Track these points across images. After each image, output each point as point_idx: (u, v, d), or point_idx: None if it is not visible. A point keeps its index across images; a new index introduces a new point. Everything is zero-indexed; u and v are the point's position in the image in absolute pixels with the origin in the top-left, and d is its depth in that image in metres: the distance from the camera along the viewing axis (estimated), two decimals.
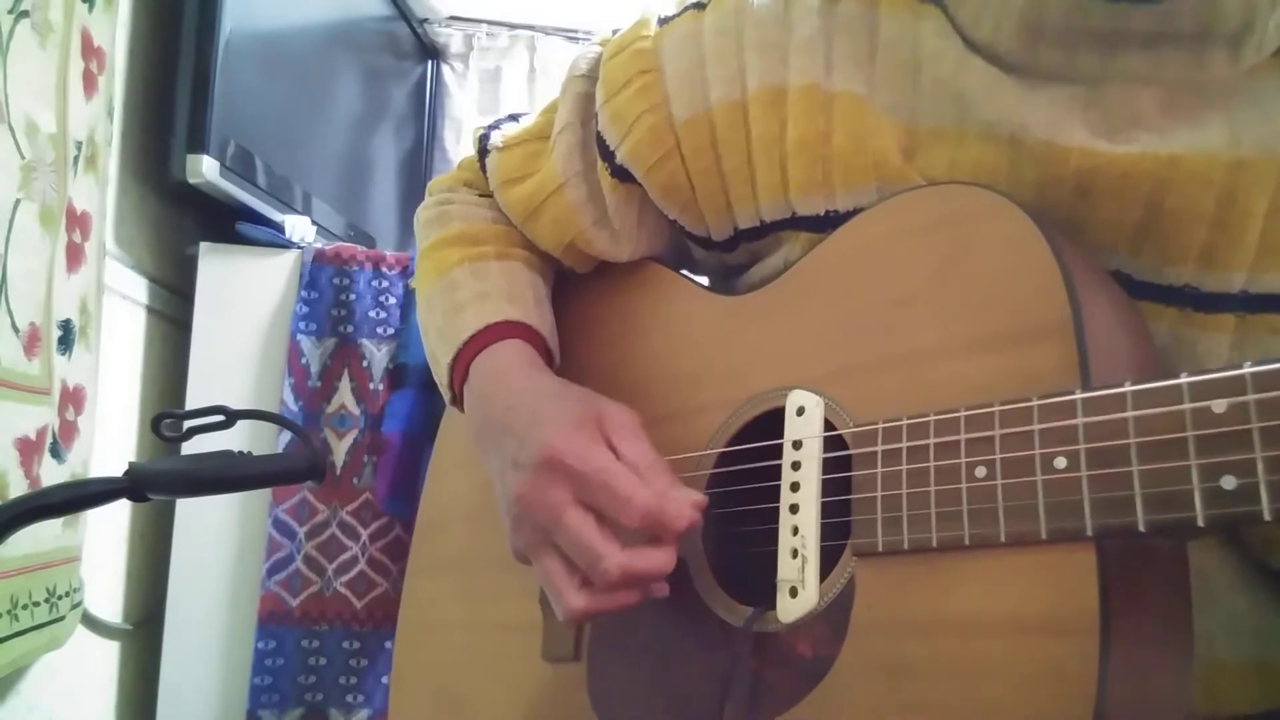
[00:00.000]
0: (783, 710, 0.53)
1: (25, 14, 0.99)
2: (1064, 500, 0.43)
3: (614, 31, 0.72)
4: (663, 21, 0.68)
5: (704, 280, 0.74)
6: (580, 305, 0.78)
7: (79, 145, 1.12)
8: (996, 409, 0.47)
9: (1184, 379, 0.41)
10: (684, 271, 0.73)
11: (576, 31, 2.65)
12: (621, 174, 0.69)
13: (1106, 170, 0.53)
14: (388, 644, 1.49)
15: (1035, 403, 0.45)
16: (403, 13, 2.40)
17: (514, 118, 0.80)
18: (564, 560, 0.58)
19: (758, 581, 0.57)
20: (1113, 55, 0.54)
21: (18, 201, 0.99)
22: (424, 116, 2.60)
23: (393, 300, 1.52)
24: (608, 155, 0.69)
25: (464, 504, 0.82)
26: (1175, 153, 0.53)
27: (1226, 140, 0.52)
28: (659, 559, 0.56)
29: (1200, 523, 0.39)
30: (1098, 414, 0.43)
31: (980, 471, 0.47)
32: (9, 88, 0.97)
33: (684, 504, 0.55)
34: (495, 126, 0.80)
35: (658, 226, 0.73)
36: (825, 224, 0.61)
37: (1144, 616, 0.44)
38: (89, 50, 1.13)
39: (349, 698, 1.47)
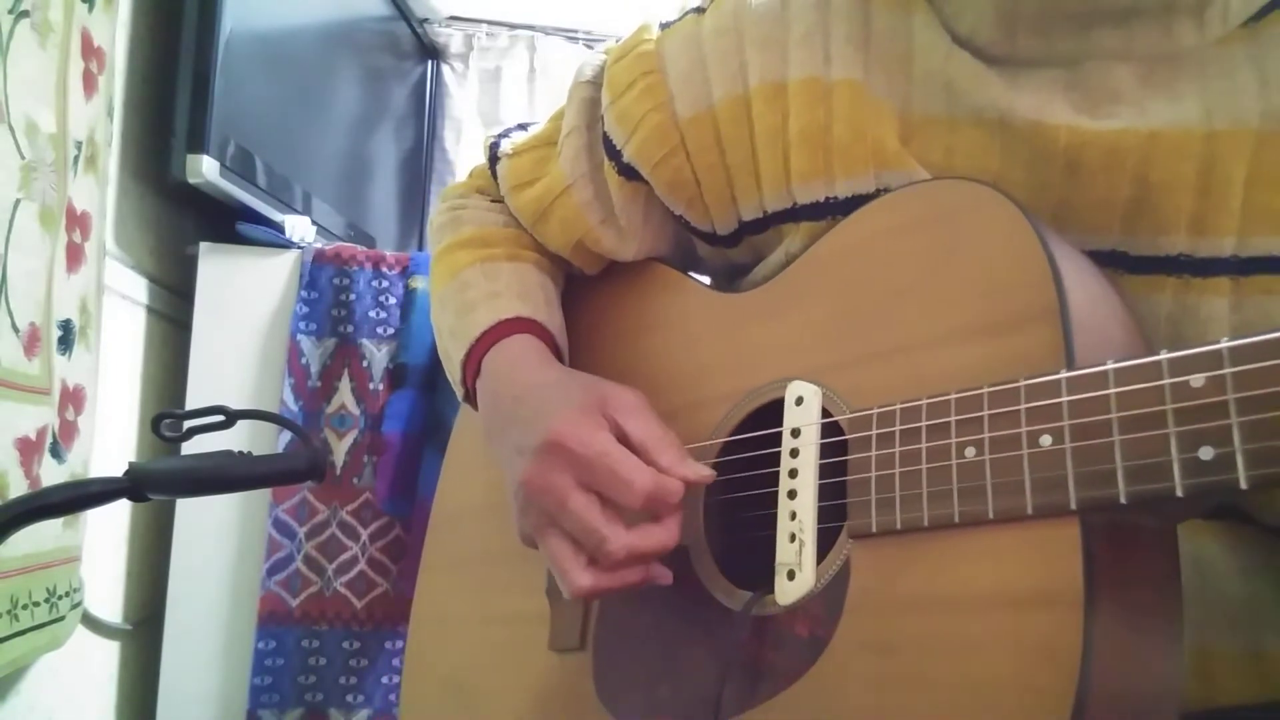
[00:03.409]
0: (781, 690, 0.54)
1: (25, 14, 0.99)
2: (1049, 475, 0.45)
3: (617, 40, 0.74)
4: (664, 26, 0.70)
5: (707, 279, 0.76)
6: (588, 307, 0.80)
7: (79, 145, 1.12)
8: (985, 391, 0.48)
9: (1163, 355, 0.42)
10: (690, 272, 0.75)
11: (576, 31, 2.65)
12: (628, 172, 0.71)
13: (1094, 145, 0.55)
14: (388, 644, 1.49)
15: (1022, 383, 0.46)
16: (403, 13, 2.40)
17: (523, 126, 0.83)
18: (569, 541, 0.59)
19: (759, 567, 0.58)
20: (1087, 35, 0.56)
21: (18, 201, 0.99)
22: (424, 116, 2.60)
23: (393, 300, 1.52)
24: (614, 154, 0.71)
25: (477, 500, 0.83)
26: (1154, 128, 0.55)
27: (1200, 114, 0.55)
28: (661, 535, 0.58)
29: (1179, 492, 0.40)
30: (1081, 392, 0.44)
31: (970, 451, 0.48)
32: (9, 88, 0.97)
33: (677, 483, 0.57)
34: (505, 135, 0.83)
35: (663, 224, 0.74)
36: (823, 211, 0.63)
37: (1131, 592, 0.45)
38: (89, 50, 1.13)
39: (349, 698, 1.47)
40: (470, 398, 0.74)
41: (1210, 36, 0.55)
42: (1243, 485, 0.39)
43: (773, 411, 0.60)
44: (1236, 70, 0.55)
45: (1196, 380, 0.41)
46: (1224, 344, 0.40)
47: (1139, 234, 0.56)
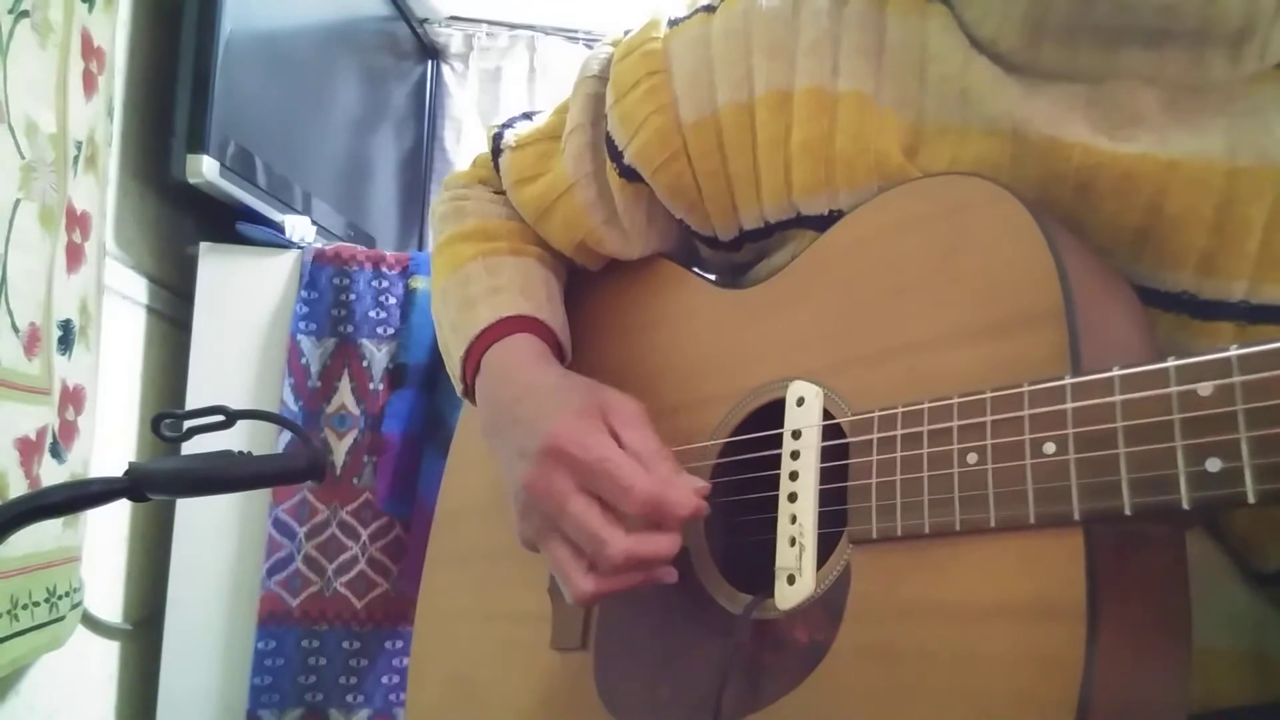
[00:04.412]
0: (780, 695, 0.53)
1: (25, 14, 0.99)
2: (1052, 485, 0.44)
3: (625, 32, 0.73)
4: (673, 23, 0.68)
5: (711, 276, 0.75)
6: (591, 301, 0.79)
7: (79, 145, 1.12)
8: (988, 395, 0.47)
9: (1170, 363, 0.41)
10: (693, 268, 0.74)
11: (576, 31, 2.65)
12: (629, 174, 0.70)
13: (1109, 168, 0.53)
14: (388, 644, 1.49)
15: (1026, 389, 0.46)
16: (403, 13, 2.40)
17: (528, 116, 0.82)
18: (571, 546, 0.59)
19: (759, 570, 0.58)
20: (1115, 53, 0.54)
21: (18, 201, 0.99)
22: (424, 116, 2.60)
23: (393, 300, 1.52)
24: (616, 155, 0.70)
25: (480, 497, 0.83)
26: (1174, 157, 0.53)
27: (1224, 148, 0.53)
28: (662, 544, 0.57)
29: (1185, 505, 0.40)
30: (1086, 399, 0.43)
31: (972, 458, 0.47)
32: (9, 88, 0.97)
33: (686, 491, 0.57)
34: (509, 125, 0.81)
35: (667, 226, 0.73)
36: (830, 223, 0.62)
37: (1135, 603, 0.44)
38: (89, 50, 1.13)
39: (349, 698, 1.47)
40: (469, 393, 0.74)
41: (1243, 72, 0.53)
42: (1251, 500, 0.38)
43: (774, 411, 0.59)
44: (1264, 109, 0.53)
45: (1204, 389, 0.40)
46: (1233, 351, 0.39)
47: (1143, 264, 0.55)
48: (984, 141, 0.57)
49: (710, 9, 0.67)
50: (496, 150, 0.80)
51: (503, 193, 0.80)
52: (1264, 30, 0.53)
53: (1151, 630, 0.45)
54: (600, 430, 0.59)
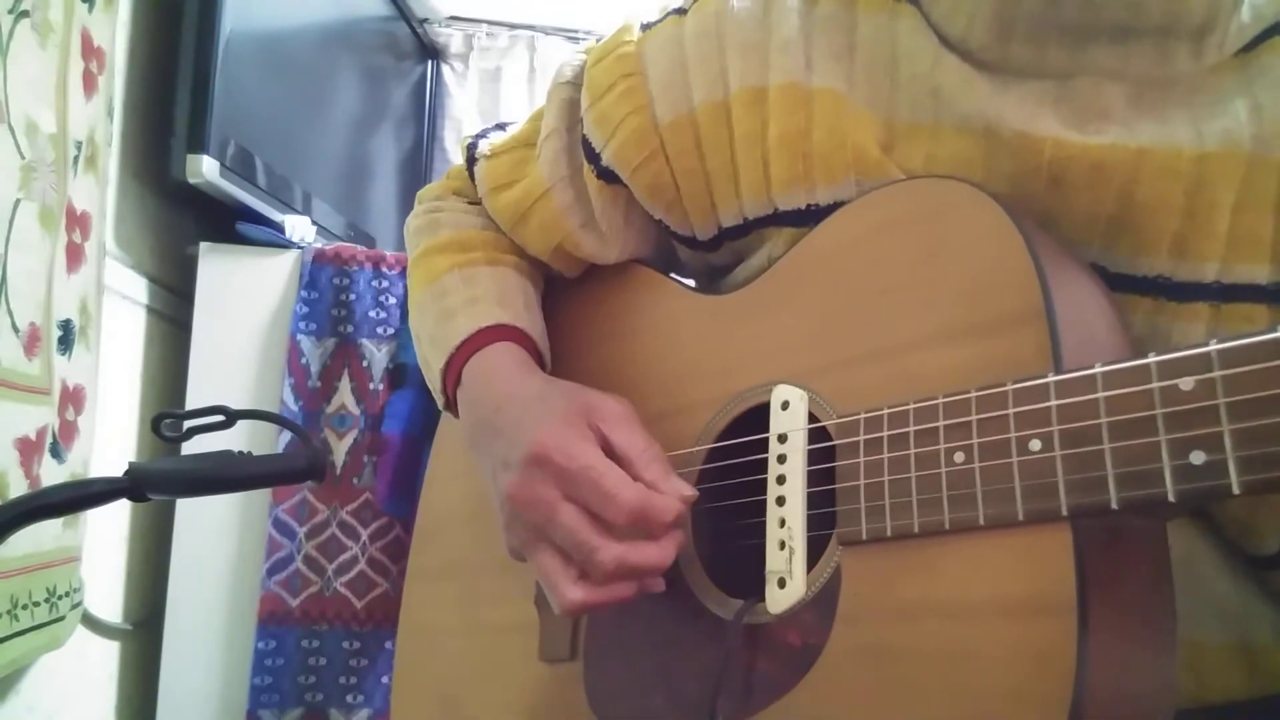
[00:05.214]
0: (775, 699, 0.53)
1: (25, 14, 0.99)
2: (1039, 482, 0.44)
3: (597, 40, 0.73)
4: (645, 27, 0.69)
5: (690, 281, 0.75)
6: (569, 309, 0.79)
7: (79, 145, 1.12)
8: (973, 395, 0.48)
9: (1151, 358, 0.42)
10: (671, 274, 0.74)
11: (576, 31, 2.65)
12: (608, 175, 0.70)
13: (1080, 160, 0.55)
14: (388, 644, 1.49)
15: (1010, 387, 0.46)
16: (403, 13, 2.40)
17: (501, 126, 0.82)
18: (559, 554, 0.59)
19: (749, 574, 0.58)
20: (1082, 50, 0.56)
21: (18, 201, 0.99)
22: (424, 116, 2.60)
23: (393, 300, 1.52)
24: (593, 157, 0.70)
25: (461, 508, 0.83)
26: (1143, 146, 0.54)
27: (1191, 135, 0.54)
28: (654, 553, 0.57)
29: (1171, 498, 0.40)
30: (1070, 396, 0.44)
31: (959, 457, 0.47)
32: (9, 88, 0.97)
33: (670, 497, 0.56)
34: (483, 135, 0.81)
35: (644, 227, 0.74)
36: (806, 218, 0.62)
37: (1123, 595, 0.45)
38: (89, 50, 1.13)
39: (349, 698, 1.47)
40: (451, 406, 0.73)
41: (1205, 64, 0.55)
42: (1235, 491, 0.38)
43: (759, 415, 0.59)
44: (1227, 98, 0.54)
45: (1186, 383, 0.40)
46: (1213, 346, 0.40)
47: (1118, 252, 0.56)
48: (957, 139, 0.58)
49: (681, 12, 0.67)
50: (471, 160, 0.80)
51: (478, 203, 0.80)
52: (1224, 22, 0.54)
53: (1140, 620, 0.46)
54: (585, 437, 0.58)
